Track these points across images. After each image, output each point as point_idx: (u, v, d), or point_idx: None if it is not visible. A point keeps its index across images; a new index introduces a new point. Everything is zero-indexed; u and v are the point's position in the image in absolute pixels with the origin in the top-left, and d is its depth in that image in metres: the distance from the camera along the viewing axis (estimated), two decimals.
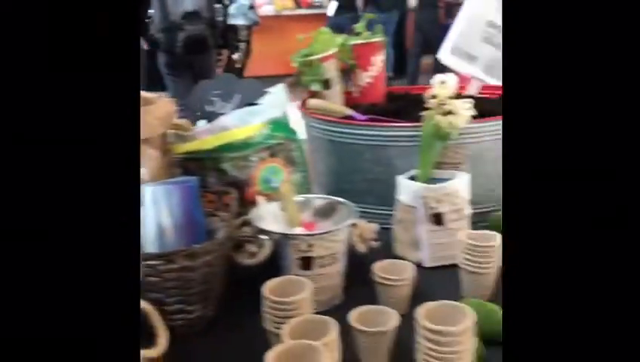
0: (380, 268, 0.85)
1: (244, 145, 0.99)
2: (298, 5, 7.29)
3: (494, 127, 1.07)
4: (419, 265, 0.99)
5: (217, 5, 4.95)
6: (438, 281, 0.94)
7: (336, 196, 1.18)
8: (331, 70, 1.22)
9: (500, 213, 1.09)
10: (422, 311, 0.66)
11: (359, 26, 1.29)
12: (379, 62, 1.30)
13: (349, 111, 1.18)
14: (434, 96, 1.01)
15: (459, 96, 1.26)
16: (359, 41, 1.28)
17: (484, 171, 1.09)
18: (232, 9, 5.95)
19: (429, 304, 0.68)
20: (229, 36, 6.21)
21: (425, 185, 0.98)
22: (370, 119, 1.15)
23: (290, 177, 1.02)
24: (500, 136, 1.08)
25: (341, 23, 5.76)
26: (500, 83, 1.33)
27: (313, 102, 1.16)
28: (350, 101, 1.30)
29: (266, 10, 6.94)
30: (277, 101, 1.05)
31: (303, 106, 1.18)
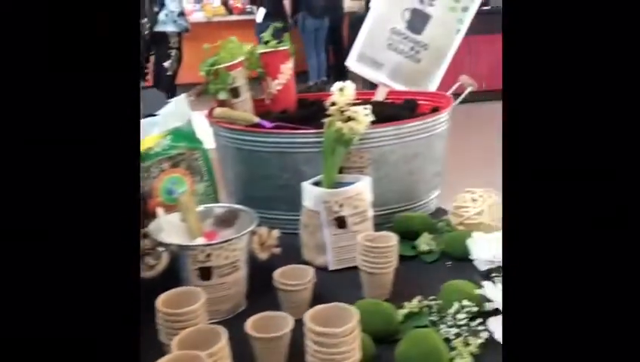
0: (281, 274, 0.86)
1: (144, 156, 0.97)
2: (229, 12, 7.24)
3: (395, 131, 1.11)
4: (325, 269, 1.01)
5: (143, 21, 4.89)
6: (342, 283, 0.96)
7: (246, 204, 1.18)
8: (239, 78, 1.23)
9: (403, 213, 1.13)
10: (309, 315, 0.68)
11: (266, 35, 1.30)
12: (288, 69, 1.31)
13: (257, 119, 1.18)
14: (333, 103, 1.04)
15: (367, 101, 1.30)
16: (267, 50, 1.29)
17: (387, 174, 1.13)
18: (161, 16, 5.84)
19: (318, 307, 0.70)
20: (155, 46, 6.08)
21: (327, 189, 1.00)
22: (277, 126, 1.16)
23: (194, 187, 1.01)
24: (400, 140, 1.12)
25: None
26: (404, 88, 1.38)
27: (219, 110, 1.16)
28: (261, 109, 1.31)
29: (196, 17, 6.85)
30: (177, 111, 1.04)
31: (210, 115, 1.18)
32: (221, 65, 1.20)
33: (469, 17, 1.35)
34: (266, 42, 1.31)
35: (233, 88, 1.22)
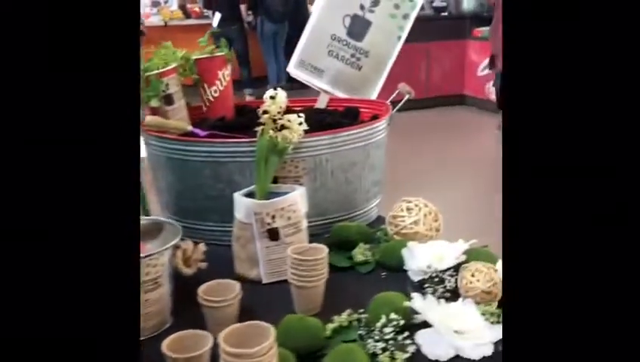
0: (205, 290, 0.83)
1: None
2: (187, 15, 7.14)
3: (331, 139, 1.09)
4: (258, 282, 0.98)
5: None
6: (275, 297, 0.94)
7: (178, 215, 1.14)
8: (172, 85, 1.19)
9: (340, 223, 1.11)
10: (223, 335, 0.65)
11: (202, 40, 1.27)
12: (225, 76, 1.28)
13: (190, 128, 1.15)
14: (265, 112, 1.01)
15: (308, 109, 1.28)
16: (203, 56, 1.25)
17: (323, 183, 1.11)
18: None
19: (234, 326, 0.67)
20: None
21: (258, 201, 0.97)
22: (210, 135, 1.13)
23: None
24: (337, 149, 1.10)
25: (227, 34, 5.72)
26: (345, 96, 1.36)
27: (150, 119, 1.12)
28: (198, 116, 1.28)
29: (153, 20, 6.73)
30: None
31: (141, 124, 1.14)
32: (153, 72, 1.15)
33: (409, 24, 1.35)
34: (204, 48, 1.28)
35: (166, 95, 1.18)
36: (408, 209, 1.05)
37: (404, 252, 0.98)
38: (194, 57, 1.24)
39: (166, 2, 7.25)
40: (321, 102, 1.36)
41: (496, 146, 4.59)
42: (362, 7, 1.33)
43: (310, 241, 1.03)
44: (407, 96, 1.18)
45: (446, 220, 1.08)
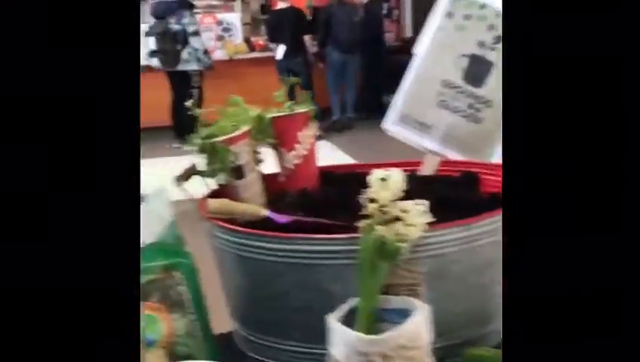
0: None
1: None
2: (251, 48, 7.10)
3: (462, 232, 0.78)
4: None
5: None
6: None
7: (250, 327, 0.88)
8: (244, 154, 0.93)
9: (474, 351, 0.79)
10: None
11: (279, 95, 1.00)
12: (308, 138, 1.01)
13: (265, 212, 0.87)
14: (372, 200, 0.72)
15: (412, 177, 0.98)
16: (280, 114, 0.99)
17: (449, 292, 0.80)
18: (184, 54, 5.71)
19: None
20: (175, 85, 5.94)
21: (365, 336, 0.67)
22: (294, 223, 0.85)
23: (171, 329, 0.70)
24: (468, 244, 0.79)
25: (291, 66, 5.56)
26: (460, 157, 1.06)
27: (215, 205, 0.85)
28: (275, 187, 1.01)
29: (217, 54, 6.71)
30: (152, 215, 0.74)
31: (202, 208, 0.88)
32: (219, 138, 0.90)
33: None
34: (281, 102, 1.02)
35: (236, 168, 0.91)
36: None
37: None
38: (270, 115, 0.98)
39: (230, 36, 7.22)
40: (429, 168, 1.06)
41: None
42: (482, 45, 1.03)
43: None
44: None
45: None
